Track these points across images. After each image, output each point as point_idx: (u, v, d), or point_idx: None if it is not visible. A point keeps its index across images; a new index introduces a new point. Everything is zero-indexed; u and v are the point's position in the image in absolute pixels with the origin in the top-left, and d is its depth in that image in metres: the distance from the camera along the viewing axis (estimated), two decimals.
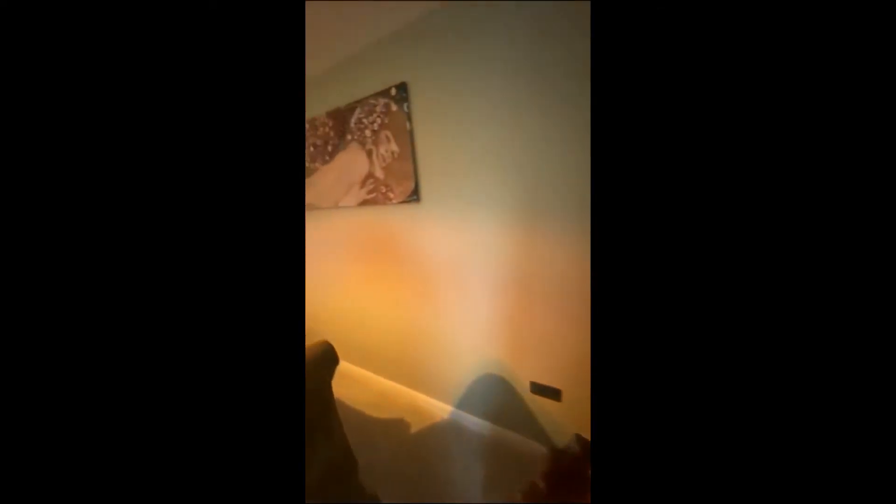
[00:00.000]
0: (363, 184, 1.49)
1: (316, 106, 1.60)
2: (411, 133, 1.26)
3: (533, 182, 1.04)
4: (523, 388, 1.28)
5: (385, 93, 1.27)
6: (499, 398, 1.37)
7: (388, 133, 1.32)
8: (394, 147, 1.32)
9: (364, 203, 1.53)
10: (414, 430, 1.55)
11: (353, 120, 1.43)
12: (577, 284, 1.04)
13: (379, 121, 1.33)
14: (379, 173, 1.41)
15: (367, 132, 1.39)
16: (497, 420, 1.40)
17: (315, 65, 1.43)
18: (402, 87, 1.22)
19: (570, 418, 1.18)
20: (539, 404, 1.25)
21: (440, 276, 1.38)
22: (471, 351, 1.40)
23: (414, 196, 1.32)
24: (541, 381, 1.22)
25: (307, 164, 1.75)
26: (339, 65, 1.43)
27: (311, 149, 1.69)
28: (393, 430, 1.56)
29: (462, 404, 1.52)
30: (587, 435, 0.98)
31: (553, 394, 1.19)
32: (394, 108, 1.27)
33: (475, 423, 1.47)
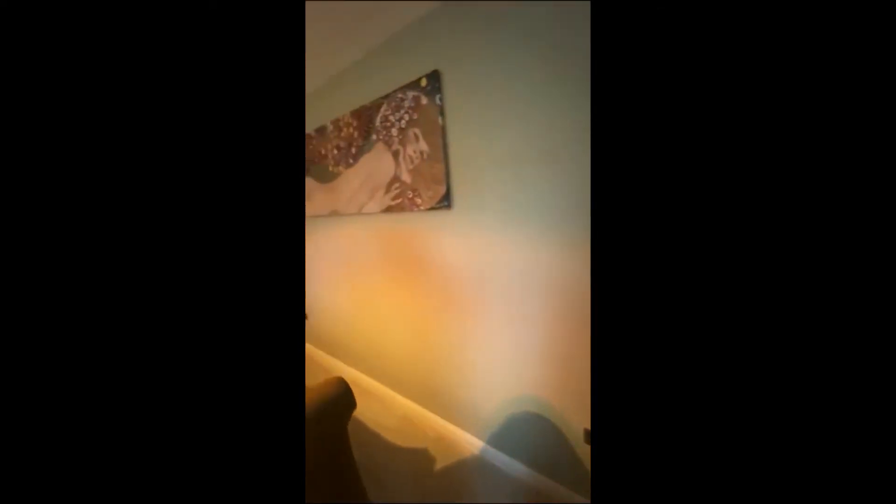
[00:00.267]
0: (388, 188, 1.35)
1: (339, 106, 1.49)
2: (443, 129, 1.10)
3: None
4: (575, 436, 1.06)
5: (414, 84, 1.12)
6: (543, 442, 1.15)
7: (417, 130, 1.16)
8: (422, 146, 1.16)
9: (388, 210, 1.39)
10: (439, 465, 1.38)
11: (378, 118, 1.30)
12: None
13: (407, 117, 1.18)
14: (405, 176, 1.26)
15: (394, 131, 1.25)
16: (538, 466, 1.18)
17: (338, 61, 1.32)
18: (434, 77, 1.06)
19: None
20: None
21: (474, 294, 1.20)
22: (510, 384, 1.20)
23: (444, 202, 1.15)
24: None
25: (330, 169, 1.65)
26: (364, 58, 1.31)
27: (335, 151, 1.59)
28: (415, 462, 1.40)
29: (497, 441, 1.32)
30: None
31: None
32: (424, 101, 1.11)
33: (511, 465, 1.26)
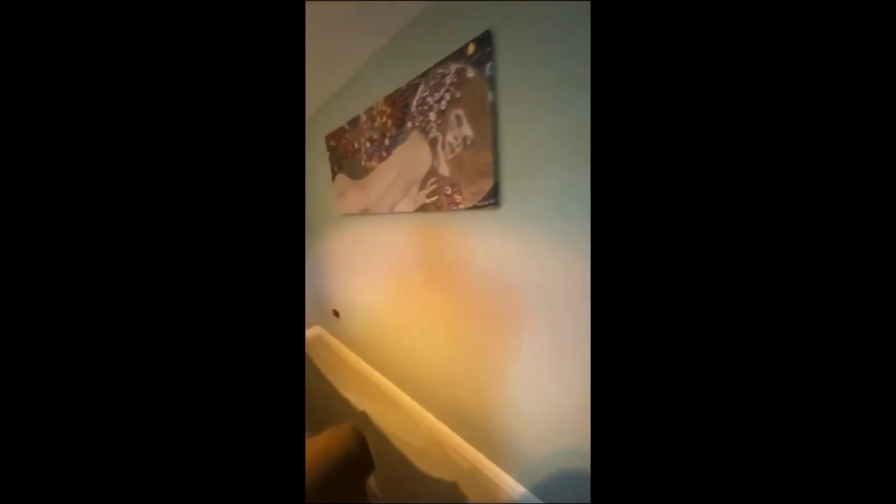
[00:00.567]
0: (423, 184, 1.17)
1: (373, 91, 1.34)
2: (494, 107, 0.88)
3: None
4: None
5: (459, 54, 0.92)
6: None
7: (460, 112, 0.96)
8: (466, 130, 0.96)
9: (422, 208, 1.20)
10: None
11: (415, 101, 1.11)
12: None
13: (448, 96, 0.98)
14: (443, 168, 1.06)
15: (432, 115, 1.06)
16: None
17: (373, 40, 1.16)
18: (485, 40, 0.85)
19: None
20: None
21: (524, 313, 0.97)
22: (563, 427, 0.95)
23: (491, 199, 0.94)
24: None
25: (363, 164, 1.51)
26: (403, 29, 1.13)
27: (368, 144, 1.44)
28: (444, 497, 1.21)
29: (542, 491, 1.08)
30: None
31: None
32: (470, 73, 0.90)
33: None
